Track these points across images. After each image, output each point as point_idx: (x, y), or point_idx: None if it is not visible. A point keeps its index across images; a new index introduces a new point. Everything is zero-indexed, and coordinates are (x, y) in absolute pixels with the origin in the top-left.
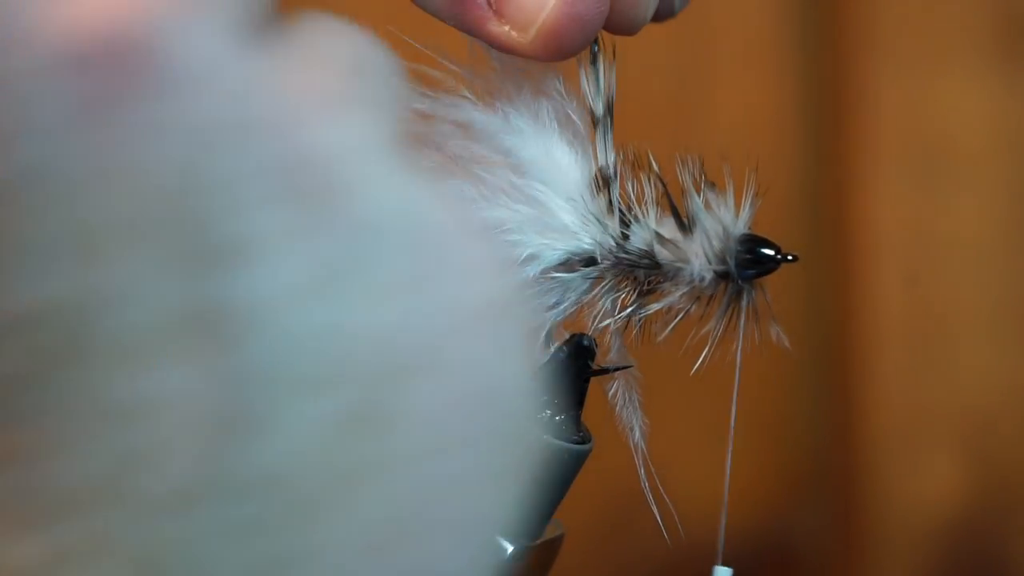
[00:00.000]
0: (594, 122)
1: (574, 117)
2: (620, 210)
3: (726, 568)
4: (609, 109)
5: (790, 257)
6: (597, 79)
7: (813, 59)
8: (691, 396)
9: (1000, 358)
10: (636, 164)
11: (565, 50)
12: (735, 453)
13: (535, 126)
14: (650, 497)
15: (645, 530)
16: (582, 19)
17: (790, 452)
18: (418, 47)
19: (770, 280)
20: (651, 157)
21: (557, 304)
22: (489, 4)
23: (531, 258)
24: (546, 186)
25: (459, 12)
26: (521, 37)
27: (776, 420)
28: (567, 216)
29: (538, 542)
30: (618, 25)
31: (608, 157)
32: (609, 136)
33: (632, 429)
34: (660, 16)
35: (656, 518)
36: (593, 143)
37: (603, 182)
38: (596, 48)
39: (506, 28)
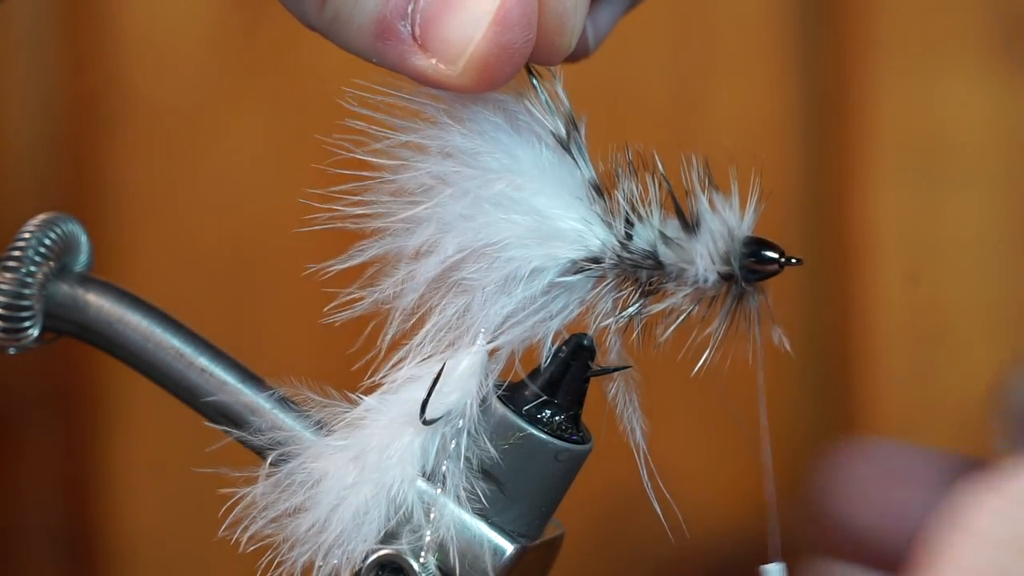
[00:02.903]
0: (563, 141)
1: (550, 127)
2: (624, 210)
3: (777, 565)
4: (573, 125)
5: (794, 260)
6: (547, 103)
7: (813, 59)
8: (691, 396)
9: (1000, 357)
10: (640, 164)
11: (495, 81)
12: (735, 452)
13: (518, 141)
14: (652, 496)
15: (645, 529)
16: (511, 48)
17: (790, 452)
18: (382, 88)
19: (771, 280)
20: (656, 157)
21: (563, 309)
22: (414, 38)
23: (537, 271)
24: (542, 193)
25: (382, 48)
26: (449, 70)
27: (777, 420)
28: (567, 222)
29: (538, 542)
30: (543, 53)
31: (587, 170)
32: (583, 149)
33: (632, 429)
34: (576, 56)
35: (658, 517)
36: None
37: (596, 191)
38: (535, 80)
39: (432, 61)
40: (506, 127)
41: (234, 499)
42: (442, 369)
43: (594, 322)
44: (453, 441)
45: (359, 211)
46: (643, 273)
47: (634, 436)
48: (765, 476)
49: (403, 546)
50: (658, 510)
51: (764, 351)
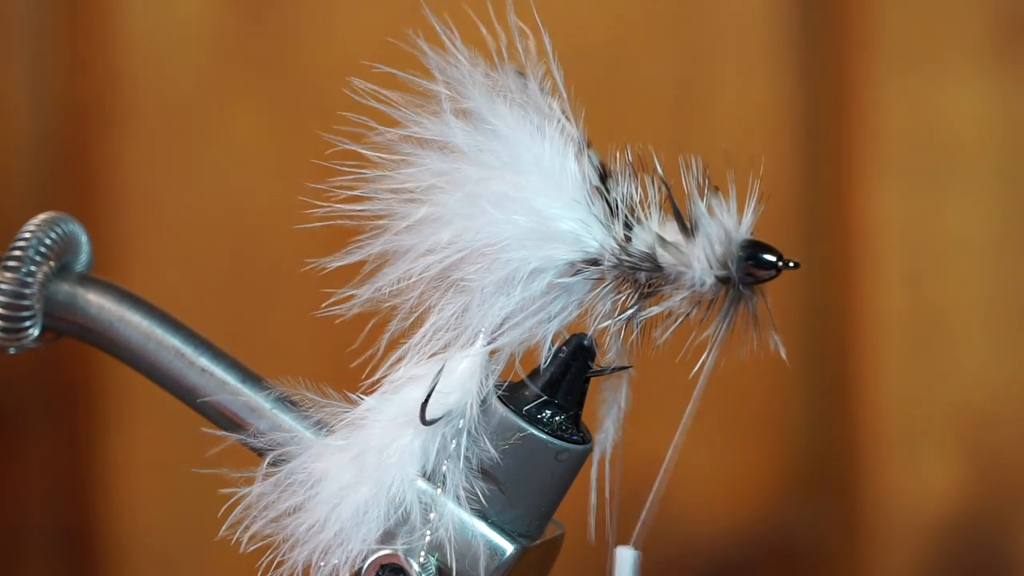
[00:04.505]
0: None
1: (559, 122)
2: (623, 212)
3: (630, 549)
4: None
5: (791, 264)
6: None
7: (813, 59)
8: (690, 397)
9: (1000, 357)
10: (640, 165)
11: None
12: (735, 452)
13: (520, 135)
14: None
15: (644, 528)
16: None
17: (790, 452)
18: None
19: (770, 280)
20: (655, 160)
21: (562, 310)
22: None
23: (536, 272)
24: (542, 194)
25: None
26: None
27: (776, 420)
28: (567, 223)
29: (538, 542)
30: None
31: (594, 174)
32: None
33: (605, 428)
34: None
35: (658, 517)
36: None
37: (598, 193)
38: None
39: None
40: (510, 123)
41: (234, 499)
42: (442, 369)
43: (593, 323)
44: (453, 441)
45: (359, 208)
46: (642, 275)
47: (607, 435)
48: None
49: (403, 546)
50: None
51: (763, 353)
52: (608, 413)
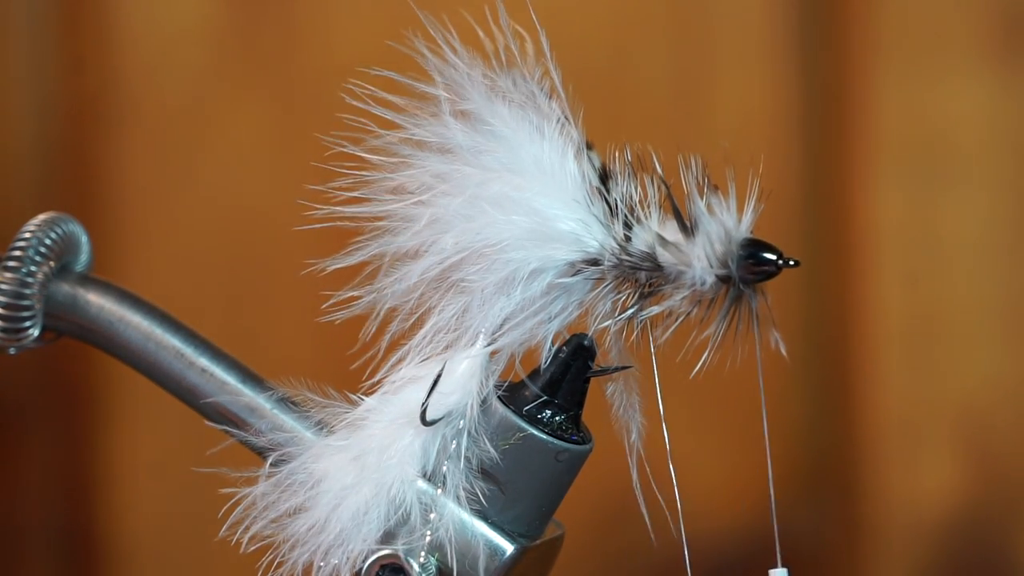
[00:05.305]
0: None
1: (559, 123)
2: (623, 211)
3: (782, 569)
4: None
5: (792, 262)
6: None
7: (813, 59)
8: (691, 396)
9: (1000, 357)
10: (639, 165)
11: None
12: (735, 452)
13: (520, 136)
14: (662, 496)
15: (644, 528)
16: None
17: (790, 451)
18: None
19: (770, 279)
20: (655, 159)
21: (562, 311)
22: None
23: (536, 272)
24: (542, 194)
25: None
26: None
27: (776, 420)
28: (566, 223)
29: (538, 542)
30: None
31: (593, 174)
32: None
33: (629, 430)
34: None
35: (658, 517)
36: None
37: (598, 193)
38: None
39: None
40: (509, 124)
41: (235, 499)
42: (442, 370)
43: (593, 323)
44: (453, 441)
45: (359, 210)
46: (642, 275)
47: (630, 436)
48: (769, 480)
49: (403, 546)
50: (670, 502)
51: (764, 352)
52: (627, 414)
